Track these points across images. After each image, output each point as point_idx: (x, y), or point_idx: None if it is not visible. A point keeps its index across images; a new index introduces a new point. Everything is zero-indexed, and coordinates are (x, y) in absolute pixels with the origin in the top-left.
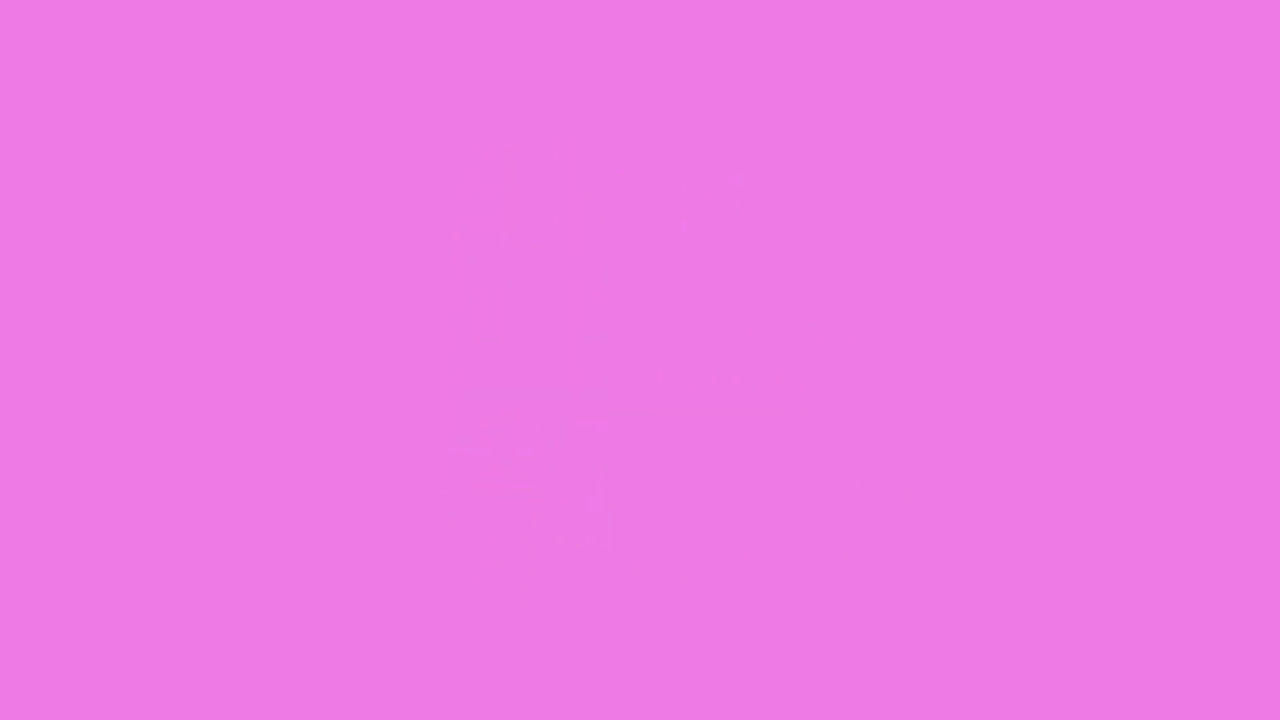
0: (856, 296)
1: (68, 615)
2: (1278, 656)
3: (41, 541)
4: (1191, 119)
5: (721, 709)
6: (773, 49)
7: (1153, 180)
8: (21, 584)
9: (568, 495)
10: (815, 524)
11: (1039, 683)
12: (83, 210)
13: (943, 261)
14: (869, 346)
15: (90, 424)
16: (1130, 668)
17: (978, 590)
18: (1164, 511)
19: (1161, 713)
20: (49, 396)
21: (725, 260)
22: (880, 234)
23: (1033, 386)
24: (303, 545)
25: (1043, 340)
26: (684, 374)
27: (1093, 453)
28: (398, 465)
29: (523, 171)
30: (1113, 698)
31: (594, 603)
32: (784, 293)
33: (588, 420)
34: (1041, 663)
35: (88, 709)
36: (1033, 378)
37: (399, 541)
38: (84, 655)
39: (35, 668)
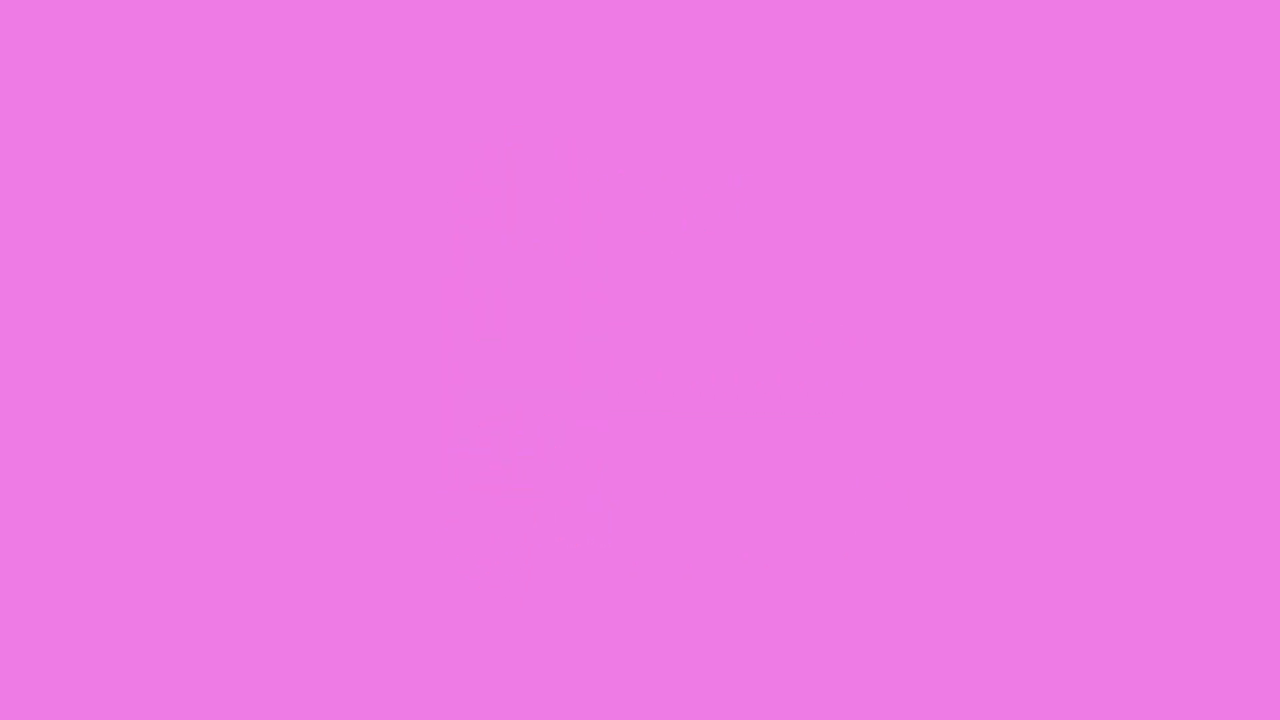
0: (856, 296)
1: (68, 615)
2: (1278, 656)
3: (42, 541)
4: (1191, 119)
5: (721, 709)
6: (773, 49)
7: (1153, 180)
8: (21, 584)
9: (568, 495)
10: (815, 524)
11: (1039, 683)
12: (83, 210)
13: (943, 261)
14: (869, 346)
15: (90, 424)
16: (1130, 667)
17: (978, 590)
18: (1164, 511)
19: (1161, 713)
20: (49, 396)
21: (725, 260)
22: (880, 234)
23: (1033, 386)
24: (303, 545)
25: (1043, 340)
26: (684, 374)
27: (1093, 453)
28: (398, 465)
29: (523, 171)
30: (1113, 698)
31: (594, 602)
32: (784, 293)
33: (588, 420)
34: (1041, 663)
35: (88, 709)
36: (1033, 378)
37: (399, 541)
38: (84, 655)
39: (35, 668)
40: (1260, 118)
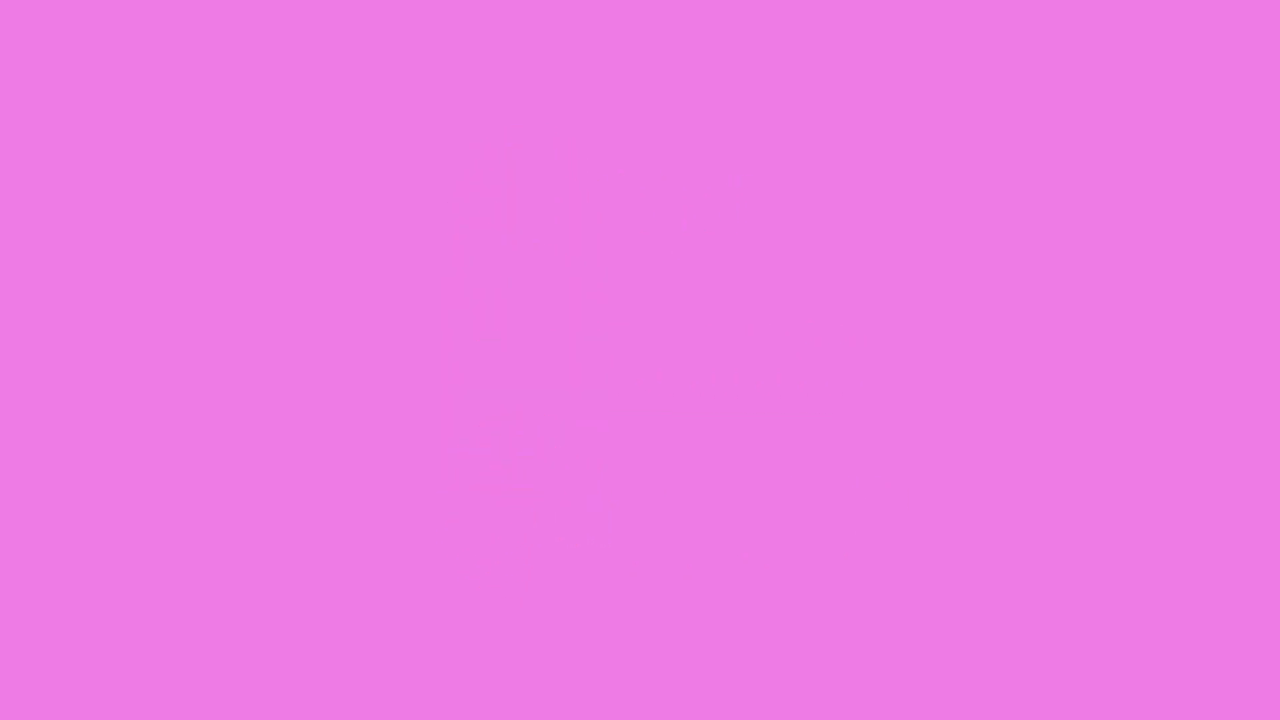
0: (856, 296)
1: (68, 615)
2: (1278, 656)
3: (42, 541)
4: (1191, 119)
5: (721, 709)
6: (773, 49)
7: (1153, 180)
8: (21, 584)
9: (568, 495)
10: (815, 524)
11: (1039, 683)
12: (83, 210)
13: (943, 261)
14: (869, 346)
15: (90, 424)
16: (1130, 667)
17: (978, 590)
18: (1164, 511)
19: (1161, 713)
20: (49, 396)
21: (725, 260)
22: (880, 234)
23: (1033, 386)
24: (303, 545)
25: (1043, 340)
26: (684, 374)
27: (1093, 452)
28: (398, 465)
29: (523, 171)
30: (1112, 697)
31: (594, 602)
32: (784, 293)
33: (588, 420)
34: (1041, 663)
35: (88, 709)
36: (1033, 378)
37: (399, 541)
38: (84, 655)
39: (35, 668)
40: (1260, 118)
